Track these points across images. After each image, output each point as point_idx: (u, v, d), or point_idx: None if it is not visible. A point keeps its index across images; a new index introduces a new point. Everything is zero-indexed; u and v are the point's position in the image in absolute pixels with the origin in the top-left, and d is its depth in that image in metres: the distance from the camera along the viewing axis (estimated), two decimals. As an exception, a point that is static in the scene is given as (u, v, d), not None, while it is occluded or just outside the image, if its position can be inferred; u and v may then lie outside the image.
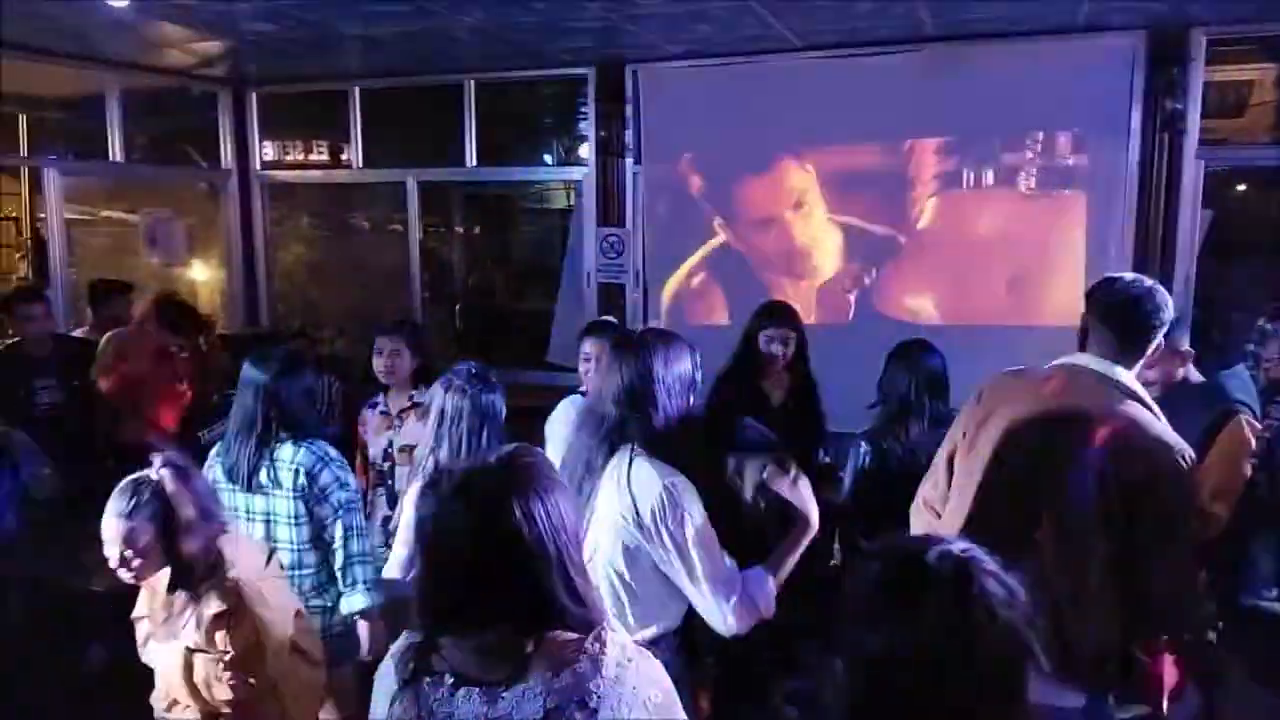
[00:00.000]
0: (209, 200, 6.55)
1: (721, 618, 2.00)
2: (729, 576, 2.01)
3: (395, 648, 1.41)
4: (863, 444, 3.33)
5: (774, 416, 3.40)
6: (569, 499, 1.40)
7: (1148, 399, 2.11)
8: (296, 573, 2.73)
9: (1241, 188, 5.68)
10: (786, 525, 2.15)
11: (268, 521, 2.73)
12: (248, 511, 2.74)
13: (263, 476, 2.70)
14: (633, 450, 2.06)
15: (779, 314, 3.59)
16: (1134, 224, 4.58)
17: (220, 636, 2.12)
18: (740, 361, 3.56)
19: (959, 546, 1.14)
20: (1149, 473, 1.98)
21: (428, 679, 1.32)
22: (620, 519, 2.02)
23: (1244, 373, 2.87)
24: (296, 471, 2.70)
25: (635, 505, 1.99)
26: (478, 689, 1.29)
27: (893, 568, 1.15)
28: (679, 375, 2.11)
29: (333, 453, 2.79)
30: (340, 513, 2.73)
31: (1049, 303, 4.77)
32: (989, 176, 4.85)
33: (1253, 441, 2.59)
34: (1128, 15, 4.29)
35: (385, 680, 1.39)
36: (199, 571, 2.15)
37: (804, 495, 2.15)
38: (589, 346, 3.29)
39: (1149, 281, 2.14)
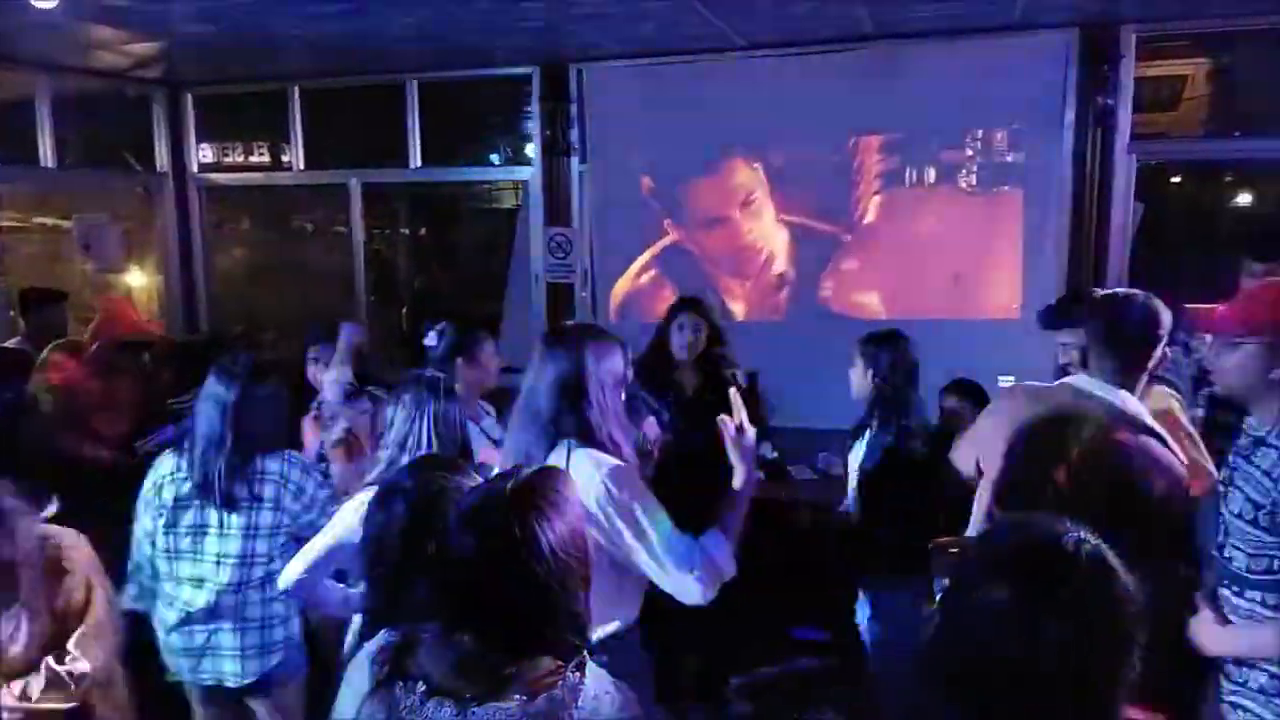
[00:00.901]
0: (145, 204, 6.40)
1: (688, 590, 2.02)
2: (687, 548, 2.03)
3: (369, 648, 1.40)
4: (861, 444, 3.19)
5: (689, 406, 3.45)
6: (582, 521, 1.40)
7: (1155, 426, 2.18)
8: (267, 589, 2.69)
9: (1176, 180, 5.85)
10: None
11: (246, 536, 2.67)
12: (222, 527, 2.67)
13: (241, 491, 2.65)
14: (570, 443, 2.08)
15: (688, 305, 3.69)
16: (1069, 218, 4.69)
17: None
18: (652, 352, 3.62)
19: (1089, 536, 1.15)
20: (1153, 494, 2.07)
21: (401, 684, 1.31)
22: None
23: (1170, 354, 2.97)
24: (280, 483, 2.68)
25: (580, 495, 2.01)
26: (450, 701, 1.28)
27: (1030, 552, 1.16)
28: (609, 369, 2.15)
29: (307, 459, 2.83)
30: (332, 513, 2.72)
31: (989, 297, 4.87)
32: (930, 174, 4.94)
33: (1181, 417, 2.66)
34: (1060, 13, 4.39)
35: (356, 681, 1.37)
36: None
37: (744, 449, 2.13)
38: None
39: (1142, 296, 2.22)
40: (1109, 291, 2.32)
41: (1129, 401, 2.20)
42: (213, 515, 2.67)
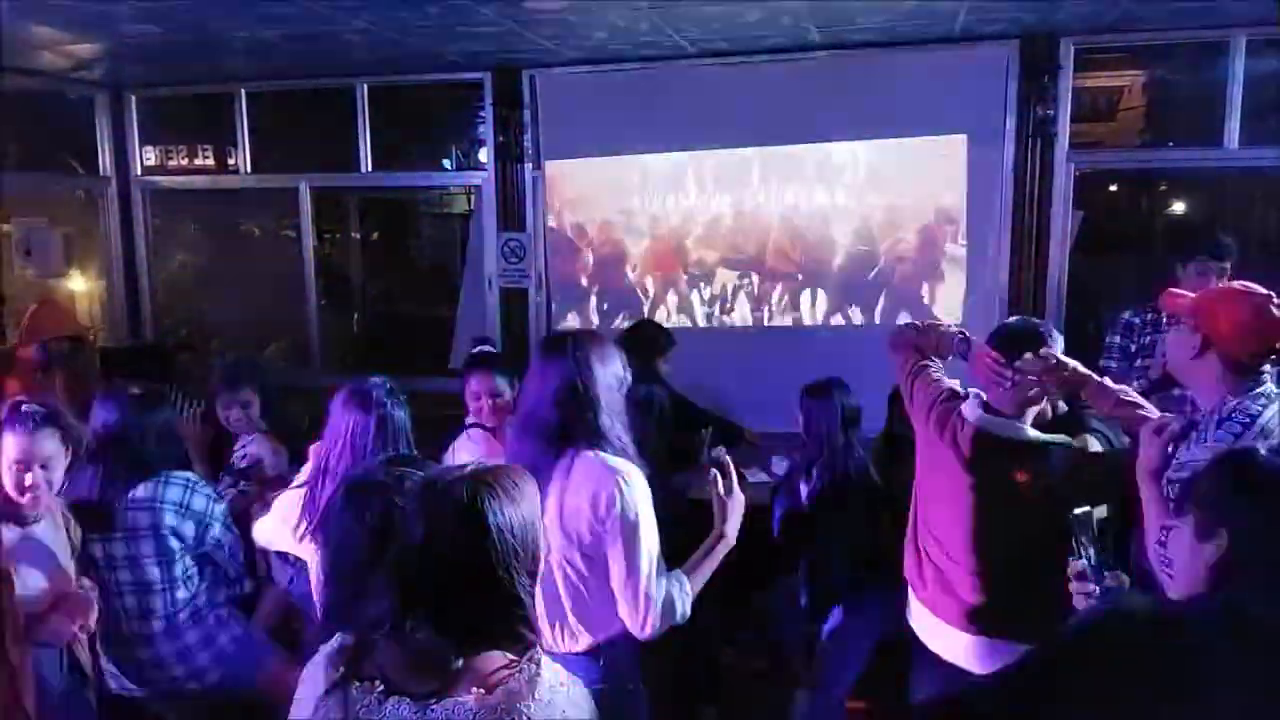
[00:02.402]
0: (87, 208, 6.26)
1: (639, 620, 2.02)
2: (658, 581, 2.03)
3: (326, 649, 1.40)
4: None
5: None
6: (539, 517, 1.42)
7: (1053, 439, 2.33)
8: (170, 610, 2.70)
9: (1113, 188, 6.03)
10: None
11: (133, 566, 2.69)
12: (108, 559, 2.68)
13: (122, 520, 2.65)
14: (578, 449, 2.08)
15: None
16: (1010, 225, 4.82)
17: None
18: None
19: None
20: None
21: (357, 684, 1.31)
22: (575, 516, 2.04)
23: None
24: (163, 510, 2.69)
25: (590, 500, 2.03)
26: (408, 699, 1.29)
27: None
28: (613, 372, 2.16)
29: (193, 477, 2.81)
30: (226, 530, 2.81)
31: (934, 302, 4.98)
32: (876, 181, 5.02)
33: None
34: (1001, 25, 4.51)
35: (311, 682, 1.37)
36: None
37: (729, 506, 2.15)
38: (476, 384, 3.22)
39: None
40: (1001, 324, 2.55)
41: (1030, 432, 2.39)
42: (97, 547, 2.69)
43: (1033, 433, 2.37)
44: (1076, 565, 1.84)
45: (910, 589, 2.68)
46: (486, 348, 3.90)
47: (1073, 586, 1.84)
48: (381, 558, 1.64)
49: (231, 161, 6.18)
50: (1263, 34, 4.45)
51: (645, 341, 4.21)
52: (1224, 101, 4.55)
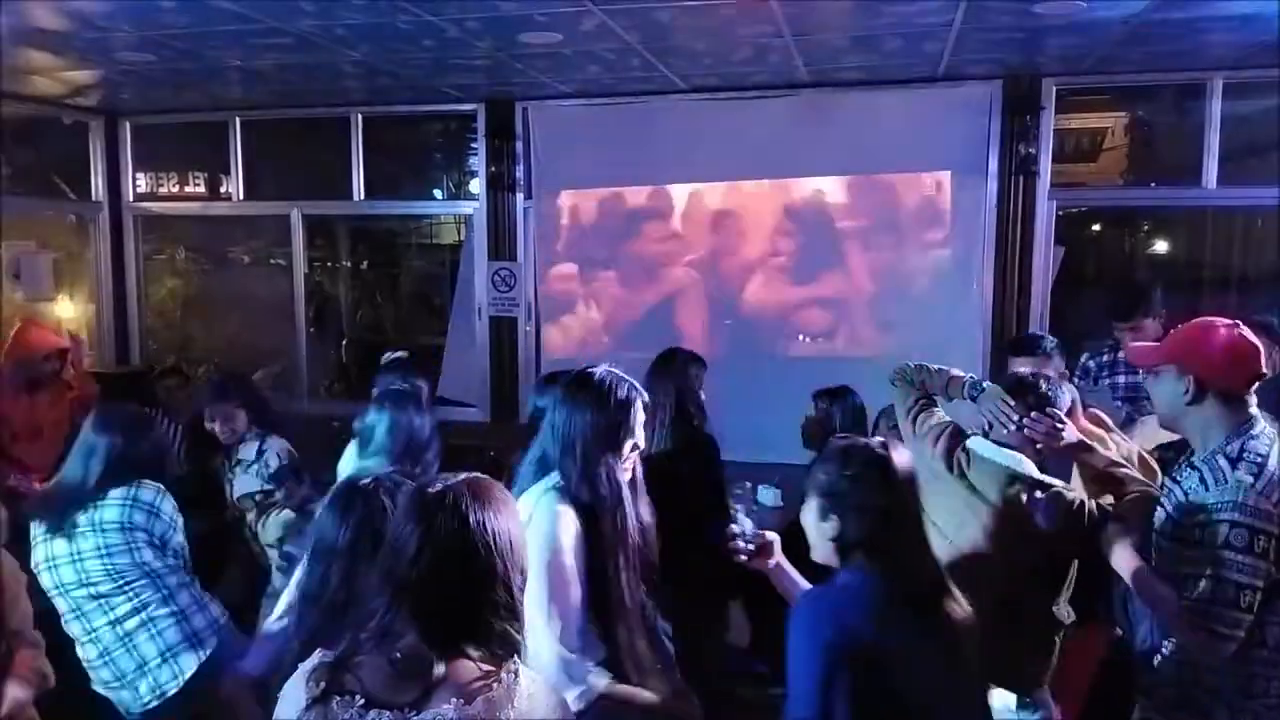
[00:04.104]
0: (78, 233, 6.28)
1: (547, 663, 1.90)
2: (571, 644, 1.96)
3: (305, 666, 1.40)
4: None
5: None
6: (520, 526, 1.45)
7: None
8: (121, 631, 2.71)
9: (1096, 227, 6.14)
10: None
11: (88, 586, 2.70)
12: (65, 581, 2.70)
13: (84, 522, 2.68)
14: (550, 484, 2.09)
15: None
16: (994, 261, 4.90)
17: None
18: None
19: None
20: None
21: (338, 698, 1.32)
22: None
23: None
24: (124, 525, 2.70)
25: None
26: (388, 712, 1.30)
27: None
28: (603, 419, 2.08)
29: (147, 495, 2.77)
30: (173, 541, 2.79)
31: (922, 334, 5.02)
32: (862, 215, 5.11)
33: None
34: (984, 66, 4.62)
35: (291, 698, 1.38)
36: None
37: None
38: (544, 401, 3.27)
39: None
40: None
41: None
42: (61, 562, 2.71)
43: (1031, 467, 2.41)
44: (733, 528, 2.00)
45: None
46: (400, 354, 4.14)
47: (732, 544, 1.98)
48: (370, 566, 1.65)
49: (224, 189, 6.21)
50: (1239, 78, 4.57)
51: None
52: (1202, 142, 4.66)
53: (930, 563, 1.79)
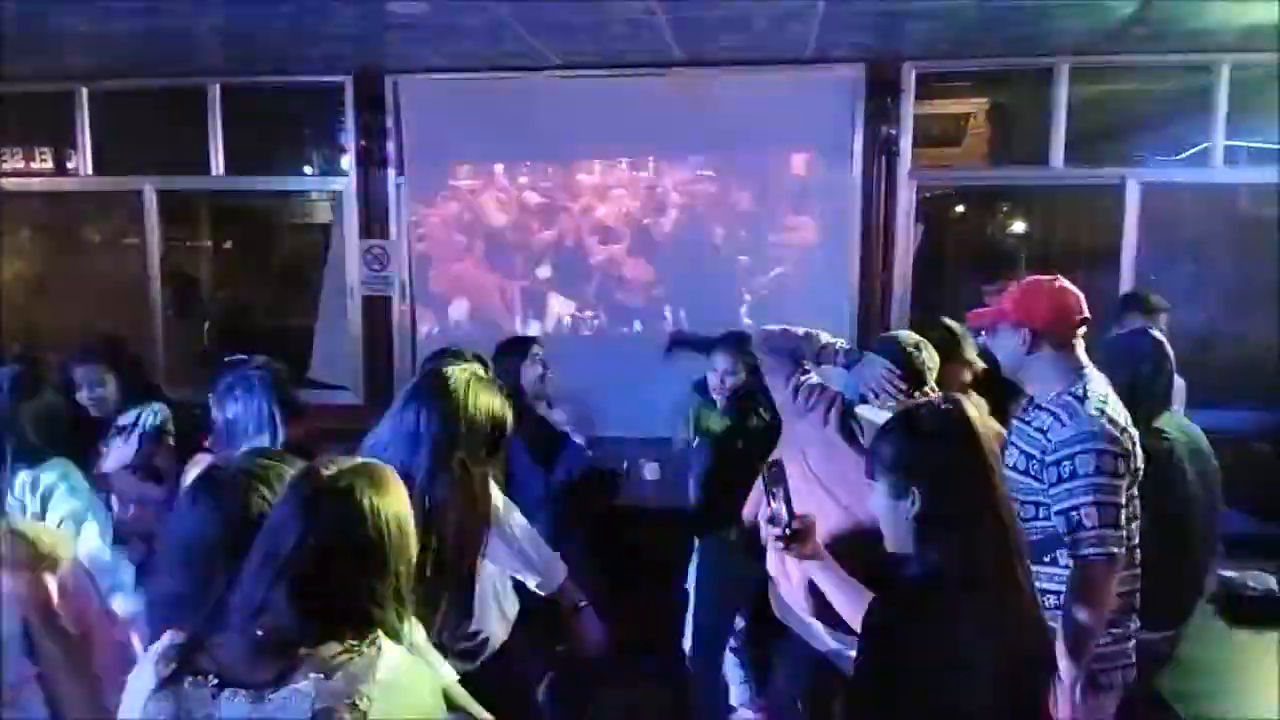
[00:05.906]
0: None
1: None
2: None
3: (155, 648, 1.36)
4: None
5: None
6: (409, 511, 1.43)
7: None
8: None
9: (960, 208, 6.41)
10: None
11: None
12: None
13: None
14: None
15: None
16: (859, 240, 5.07)
17: None
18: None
19: None
20: None
21: (190, 679, 1.29)
22: None
23: None
24: (40, 497, 2.55)
25: None
26: (243, 690, 1.27)
27: None
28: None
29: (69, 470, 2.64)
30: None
31: (789, 311, 5.15)
32: (730, 195, 5.20)
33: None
34: (848, 49, 4.76)
35: (139, 682, 1.33)
36: None
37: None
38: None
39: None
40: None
41: None
42: None
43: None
44: (767, 510, 2.00)
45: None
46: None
47: (764, 530, 2.02)
48: (238, 548, 1.59)
49: (71, 164, 5.84)
50: (1085, 62, 4.84)
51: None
52: (1049, 124, 4.92)
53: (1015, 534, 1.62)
